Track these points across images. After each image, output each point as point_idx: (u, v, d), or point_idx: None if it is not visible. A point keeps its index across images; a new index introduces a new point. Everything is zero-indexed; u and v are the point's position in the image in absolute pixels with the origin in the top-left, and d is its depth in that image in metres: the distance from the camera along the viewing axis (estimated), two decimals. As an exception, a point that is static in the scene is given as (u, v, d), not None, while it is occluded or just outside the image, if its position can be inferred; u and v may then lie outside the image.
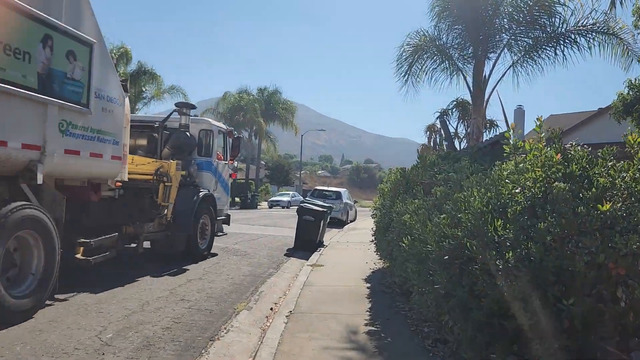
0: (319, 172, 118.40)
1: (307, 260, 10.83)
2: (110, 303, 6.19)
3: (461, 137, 21.68)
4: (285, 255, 11.80)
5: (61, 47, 5.84)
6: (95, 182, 7.17)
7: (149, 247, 9.64)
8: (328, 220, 14.11)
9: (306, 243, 12.70)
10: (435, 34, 13.83)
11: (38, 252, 5.65)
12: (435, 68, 14.20)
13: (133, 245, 8.38)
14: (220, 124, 12.42)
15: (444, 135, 19.62)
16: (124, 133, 7.42)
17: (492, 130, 20.22)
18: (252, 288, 7.71)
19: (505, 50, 13.27)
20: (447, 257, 3.82)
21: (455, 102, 21.15)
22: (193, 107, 11.10)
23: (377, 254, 10.12)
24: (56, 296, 6.13)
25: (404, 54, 14.24)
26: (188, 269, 8.88)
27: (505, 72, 13.38)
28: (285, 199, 44.75)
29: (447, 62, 13.96)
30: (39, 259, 5.67)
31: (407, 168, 7.50)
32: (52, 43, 5.68)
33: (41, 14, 5.52)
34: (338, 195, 25.15)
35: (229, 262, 10.11)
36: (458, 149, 19.35)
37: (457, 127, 22.06)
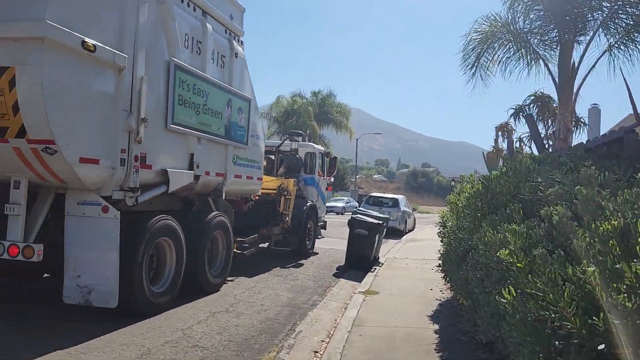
0: (375, 176, 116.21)
1: (360, 282, 9.20)
2: (102, 351, 4.79)
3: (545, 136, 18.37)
4: (334, 275, 10.17)
5: (235, 105, 8.42)
6: (244, 197, 9.67)
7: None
8: (384, 233, 12.35)
9: (359, 260, 10.98)
10: (509, 17, 11.67)
11: (222, 245, 8.05)
12: (510, 57, 12.11)
13: (265, 245, 10.99)
14: (321, 147, 15.26)
15: (529, 135, 16.68)
16: (263, 160, 10.03)
17: (578, 130, 17.26)
18: (288, 326, 6.16)
19: (600, 31, 10.95)
20: (604, 346, 2.09)
21: (533, 97, 17.57)
22: (301, 134, 14.48)
23: (443, 278, 8.17)
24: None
25: (470, 43, 12.25)
26: (215, 297, 7.42)
27: (599, 58, 11.13)
28: (340, 204, 43.23)
29: (524, 50, 11.84)
30: (222, 250, 8.06)
31: (491, 175, 5.31)
32: (231, 104, 8.26)
33: (228, 86, 8.20)
34: (395, 203, 22.90)
35: (268, 285, 8.65)
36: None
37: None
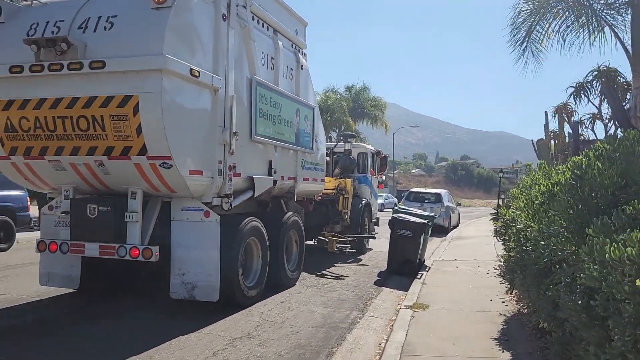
0: (413, 170, 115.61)
1: (405, 292, 8.23)
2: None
3: (605, 117, 15.38)
4: (375, 283, 9.14)
5: (302, 114, 9.17)
6: (310, 197, 10.41)
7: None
8: (430, 232, 11.30)
9: (402, 265, 10.06)
10: (565, -19, 10.52)
11: (296, 243, 8.78)
12: (569, 26, 11.02)
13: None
14: (371, 147, 15.84)
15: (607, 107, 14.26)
16: (325, 162, 10.96)
17: None
18: (323, 354, 5.16)
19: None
20: None
21: (596, 72, 15.10)
22: (353, 136, 15.26)
23: (504, 285, 7.28)
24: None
25: (520, 15, 11.29)
26: (238, 317, 6.32)
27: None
28: (378, 201, 43.06)
29: (585, 17, 10.75)
30: (297, 247, 8.80)
31: (581, 162, 3.96)
32: (299, 112, 9.02)
33: (296, 97, 8.96)
34: (438, 198, 22.03)
35: (300, 298, 7.61)
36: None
37: (600, 105, 15.54)
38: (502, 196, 19.81)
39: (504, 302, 7.12)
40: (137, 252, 5.94)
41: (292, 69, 8.91)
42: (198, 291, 6.20)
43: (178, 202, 6.35)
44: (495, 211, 22.85)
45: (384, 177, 17.64)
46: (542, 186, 4.80)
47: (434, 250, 13.57)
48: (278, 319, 6.37)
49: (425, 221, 10.45)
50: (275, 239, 7.76)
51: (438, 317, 6.45)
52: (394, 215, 10.60)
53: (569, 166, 4.26)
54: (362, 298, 7.85)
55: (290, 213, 8.63)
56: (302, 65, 9.26)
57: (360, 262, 11.52)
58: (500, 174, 20.79)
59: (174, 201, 6.37)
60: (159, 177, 5.82)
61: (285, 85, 8.56)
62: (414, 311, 6.73)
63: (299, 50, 9.31)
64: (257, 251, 7.27)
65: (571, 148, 12.14)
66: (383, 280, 9.46)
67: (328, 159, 13.38)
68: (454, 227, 22.82)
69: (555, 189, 4.22)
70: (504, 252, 7.02)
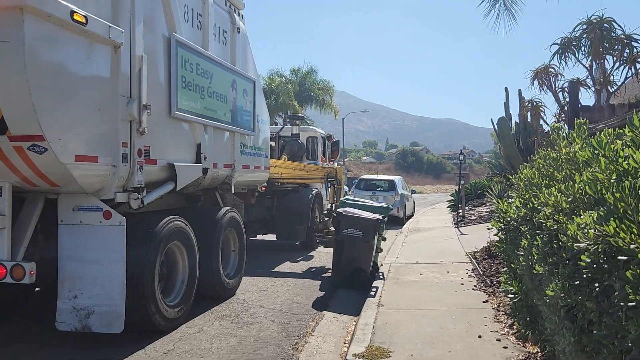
0: (364, 158, 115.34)
1: (355, 317, 6.04)
2: None
3: (599, 81, 13.03)
4: (314, 305, 6.74)
5: (240, 87, 7.63)
6: (251, 188, 9.12)
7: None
8: (384, 228, 8.97)
9: (351, 275, 7.84)
10: None
11: (234, 243, 7.42)
12: None
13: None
14: (322, 131, 14.19)
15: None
16: (269, 147, 9.38)
17: None
18: None
19: None
20: None
21: (585, 24, 12.33)
22: (302, 118, 14.04)
23: (487, 302, 6.11)
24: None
25: None
26: None
27: None
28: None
29: None
30: (235, 249, 7.44)
31: None
32: (236, 85, 7.48)
33: (232, 66, 7.39)
34: (391, 186, 19.62)
35: (198, 342, 5.08)
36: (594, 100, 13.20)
37: (590, 65, 13.07)
38: (462, 182, 18.90)
39: (499, 339, 4.89)
40: (4, 271, 4.26)
41: (225, 32, 7.32)
42: (95, 319, 4.57)
43: (67, 200, 4.68)
44: (452, 198, 22.31)
45: (335, 164, 15.82)
46: (629, 160, 2.35)
47: (390, 247, 11.31)
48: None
49: (379, 217, 8.20)
50: (207, 242, 6.31)
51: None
52: (340, 210, 8.32)
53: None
54: (292, 335, 5.41)
55: (226, 208, 7.15)
56: (238, 29, 7.68)
57: (311, 262, 10.12)
58: (461, 157, 19.43)
59: (61, 198, 4.70)
60: (30, 166, 4.14)
61: (218, 51, 6.98)
62: (370, 365, 4.31)
63: (234, 10, 7.72)
64: (182, 258, 5.76)
65: (568, 115, 10.79)
66: (326, 298, 7.14)
67: (273, 143, 11.85)
68: (410, 217, 20.87)
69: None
70: (506, 273, 4.50)
